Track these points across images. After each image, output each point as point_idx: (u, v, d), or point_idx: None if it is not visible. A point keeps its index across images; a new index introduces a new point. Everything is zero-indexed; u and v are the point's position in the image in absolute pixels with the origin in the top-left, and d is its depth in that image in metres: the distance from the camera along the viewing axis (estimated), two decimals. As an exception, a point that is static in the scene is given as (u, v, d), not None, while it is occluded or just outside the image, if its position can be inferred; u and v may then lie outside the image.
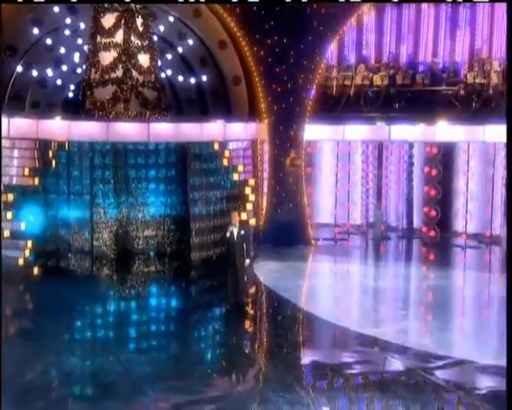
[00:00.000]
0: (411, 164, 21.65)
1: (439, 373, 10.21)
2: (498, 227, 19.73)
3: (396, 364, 10.95)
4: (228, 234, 13.67)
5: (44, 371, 10.21)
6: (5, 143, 16.81)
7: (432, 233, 20.34)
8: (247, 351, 12.14)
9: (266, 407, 8.83)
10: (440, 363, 10.71)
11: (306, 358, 11.74)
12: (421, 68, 21.14)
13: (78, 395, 9.64)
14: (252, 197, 18.65)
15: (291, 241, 19.23)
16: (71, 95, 19.62)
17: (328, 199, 21.95)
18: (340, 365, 11.18)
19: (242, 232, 14.03)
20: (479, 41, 20.70)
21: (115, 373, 10.15)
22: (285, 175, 19.83)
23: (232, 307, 13.47)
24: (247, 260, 14.27)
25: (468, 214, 20.40)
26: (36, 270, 16.22)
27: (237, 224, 13.88)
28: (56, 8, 18.78)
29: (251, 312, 14.51)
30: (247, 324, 13.80)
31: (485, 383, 9.92)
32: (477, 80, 19.94)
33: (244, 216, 17.95)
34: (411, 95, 20.68)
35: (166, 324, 13.87)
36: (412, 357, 11.03)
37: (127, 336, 12.80)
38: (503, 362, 8.89)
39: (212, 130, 17.86)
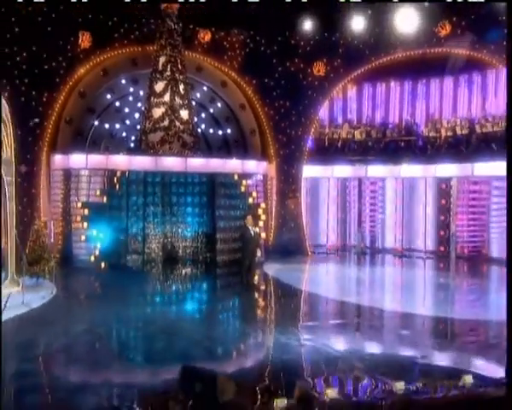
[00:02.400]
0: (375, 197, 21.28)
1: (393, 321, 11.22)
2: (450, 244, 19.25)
3: (367, 317, 11.66)
4: (247, 231, 13.82)
5: (110, 320, 10.68)
6: (84, 172, 16.87)
7: (399, 248, 20.24)
8: (259, 310, 12.55)
9: (271, 338, 9.55)
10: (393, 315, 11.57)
11: (300, 312, 12.28)
12: (390, 126, 21.02)
13: (138, 336, 10.27)
14: (263, 217, 18.35)
15: (292, 252, 19.07)
16: (132, 144, 19.33)
17: (321, 224, 21.46)
18: (325, 316, 11.86)
19: (257, 230, 14.56)
20: (432, 107, 20.70)
21: (167, 321, 10.71)
22: (288, 202, 19.82)
23: (246, 286, 13.61)
24: (259, 250, 14.89)
25: (426, 235, 19.88)
26: (102, 265, 16.11)
27: (252, 224, 14.32)
28: (124, 81, 18.87)
29: (262, 289, 14.85)
30: (260, 296, 14.06)
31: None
32: (431, 134, 19.90)
33: (257, 230, 17.32)
34: (383, 145, 20.65)
35: (200, 299, 14.02)
36: (377, 313, 11.68)
37: (172, 303, 13.25)
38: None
39: (233, 164, 17.79)
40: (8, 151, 12.61)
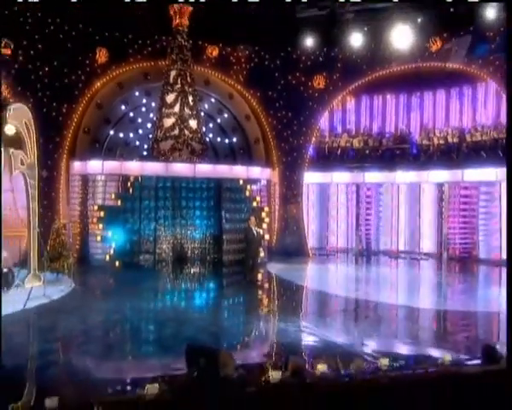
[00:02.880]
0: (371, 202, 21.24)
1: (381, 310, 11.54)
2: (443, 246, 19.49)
3: (359, 307, 12.09)
4: (250, 231, 14.31)
5: (124, 310, 11.14)
6: (100, 177, 17.07)
7: (395, 250, 20.49)
8: (262, 302, 12.97)
9: (272, 324, 10.13)
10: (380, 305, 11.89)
11: (298, 302, 12.68)
12: (386, 135, 21.20)
13: (149, 322, 10.82)
14: (266, 220, 18.44)
15: (294, 253, 19.23)
16: (144, 152, 19.35)
17: (322, 227, 21.62)
18: (321, 306, 12.37)
19: (260, 231, 14.89)
20: (426, 118, 20.89)
21: (176, 311, 11.32)
22: (290, 207, 20.01)
23: (250, 282, 13.98)
24: (261, 249, 15.27)
25: (421, 238, 20.09)
26: (117, 263, 16.43)
27: (255, 224, 14.68)
28: (137, 93, 19.08)
29: (265, 285, 15.23)
30: (262, 290, 14.45)
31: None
32: (424, 142, 20.12)
33: (260, 231, 17.71)
34: (379, 153, 20.87)
35: (207, 294, 14.41)
36: (368, 305, 12.12)
37: (181, 297, 13.53)
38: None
39: (238, 170, 17.97)
40: (32, 157, 13.16)
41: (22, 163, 12.84)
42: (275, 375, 6.06)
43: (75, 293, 12.58)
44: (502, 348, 6.27)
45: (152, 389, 5.66)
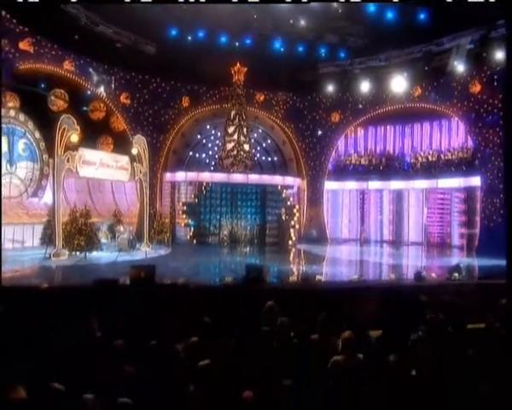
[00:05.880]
0: (373, 203, 23.66)
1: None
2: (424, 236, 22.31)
3: (351, 262, 15.93)
4: (281, 217, 18.25)
5: (202, 258, 15.53)
6: (184, 183, 20.57)
7: (390, 238, 23.52)
8: (292, 260, 16.76)
9: (298, 267, 13.97)
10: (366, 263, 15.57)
11: (313, 259, 16.35)
12: (386, 156, 23.79)
13: (217, 263, 14.94)
14: (297, 215, 21.52)
15: (317, 240, 22.06)
16: (212, 167, 21.75)
17: (337, 222, 24.42)
18: (327, 260, 16.38)
19: (288, 217, 18.79)
20: (415, 143, 23.35)
21: (236, 260, 15.80)
22: (315, 206, 23.06)
23: (283, 251, 18.02)
24: (292, 234, 19.05)
25: (409, 230, 22.77)
26: (194, 241, 19.84)
27: (285, 214, 18.58)
28: (208, 126, 22.22)
29: (296, 254, 18.76)
30: (294, 255, 18.21)
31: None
32: (412, 160, 22.82)
33: (292, 222, 21.03)
34: (380, 168, 23.58)
35: (256, 256, 17.75)
36: (357, 262, 16.02)
37: (238, 255, 17.17)
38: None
39: (277, 179, 21.22)
40: (146, 168, 17.83)
41: (140, 172, 17.52)
42: (289, 280, 10.46)
43: (172, 253, 17.04)
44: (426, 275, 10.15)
45: (228, 279, 10.02)
